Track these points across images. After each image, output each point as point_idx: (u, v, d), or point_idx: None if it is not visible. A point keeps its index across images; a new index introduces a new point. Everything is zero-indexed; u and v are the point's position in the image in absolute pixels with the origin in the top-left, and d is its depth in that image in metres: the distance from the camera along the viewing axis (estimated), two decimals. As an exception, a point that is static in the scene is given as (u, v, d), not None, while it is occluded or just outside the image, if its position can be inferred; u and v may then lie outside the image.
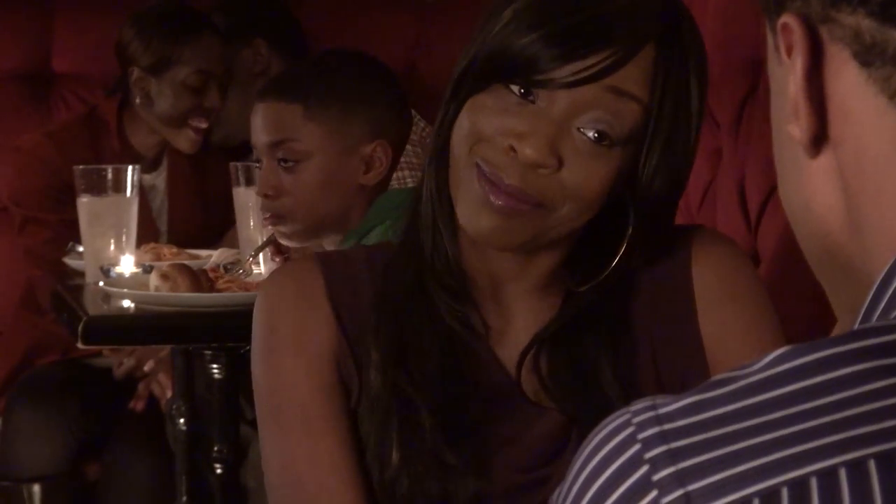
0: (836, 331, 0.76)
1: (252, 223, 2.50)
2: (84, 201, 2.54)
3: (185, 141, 3.19)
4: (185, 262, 2.46)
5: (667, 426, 0.63)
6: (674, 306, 1.37)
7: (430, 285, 1.35)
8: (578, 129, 1.27)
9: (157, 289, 2.17)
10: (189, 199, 3.30)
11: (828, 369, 0.63)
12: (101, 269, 2.46)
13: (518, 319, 1.38)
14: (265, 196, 2.06)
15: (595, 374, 1.33)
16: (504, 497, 1.34)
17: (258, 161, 2.09)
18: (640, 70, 1.27)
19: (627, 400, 0.67)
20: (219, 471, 2.47)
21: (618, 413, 0.66)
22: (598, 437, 0.66)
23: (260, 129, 2.05)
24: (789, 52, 0.72)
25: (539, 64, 1.26)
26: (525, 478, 1.34)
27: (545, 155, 1.25)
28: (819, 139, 0.72)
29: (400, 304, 1.36)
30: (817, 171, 0.73)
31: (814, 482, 0.61)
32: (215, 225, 3.24)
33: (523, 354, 1.35)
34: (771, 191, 2.23)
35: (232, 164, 2.59)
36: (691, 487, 0.62)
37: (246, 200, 2.51)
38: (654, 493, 0.62)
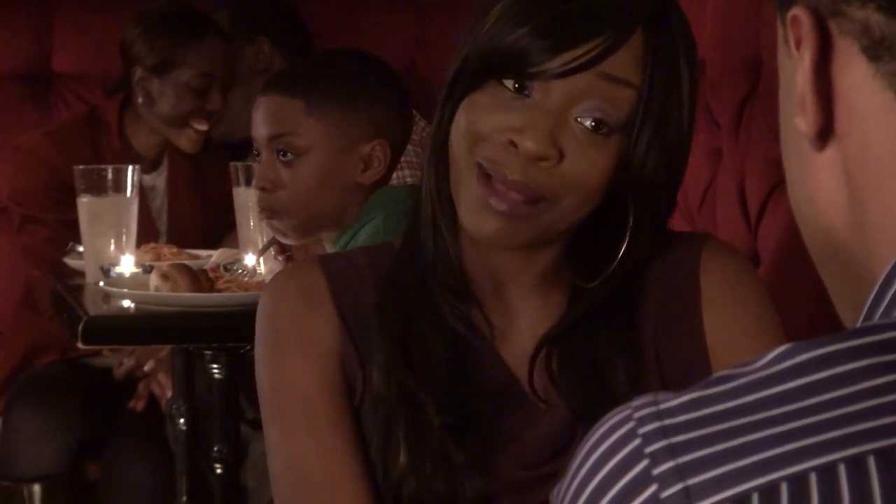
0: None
1: (252, 223, 2.50)
2: (84, 201, 2.54)
3: (186, 141, 3.19)
4: (185, 262, 2.46)
5: (667, 421, 0.64)
6: (680, 309, 1.38)
7: (432, 286, 1.35)
8: (576, 118, 1.27)
9: (157, 289, 2.17)
10: (189, 200, 3.30)
11: (828, 366, 0.63)
12: (101, 269, 2.46)
13: (521, 318, 1.38)
14: (262, 189, 2.06)
15: (606, 372, 1.34)
16: (510, 494, 1.35)
17: (258, 154, 2.09)
18: (632, 55, 1.28)
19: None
20: (219, 471, 2.47)
21: (619, 408, 0.66)
22: (600, 432, 0.66)
23: (261, 122, 2.06)
24: (798, 45, 0.72)
25: (531, 56, 1.26)
26: (530, 474, 1.35)
27: (546, 147, 1.26)
28: (825, 133, 0.72)
29: (403, 305, 1.36)
30: (822, 165, 0.73)
31: (813, 478, 0.61)
32: (215, 225, 3.24)
33: (535, 351, 1.35)
34: (771, 191, 2.23)
35: (232, 164, 2.59)
36: (691, 482, 0.62)
37: (246, 200, 2.51)
38: (653, 488, 0.62)
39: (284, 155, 2.03)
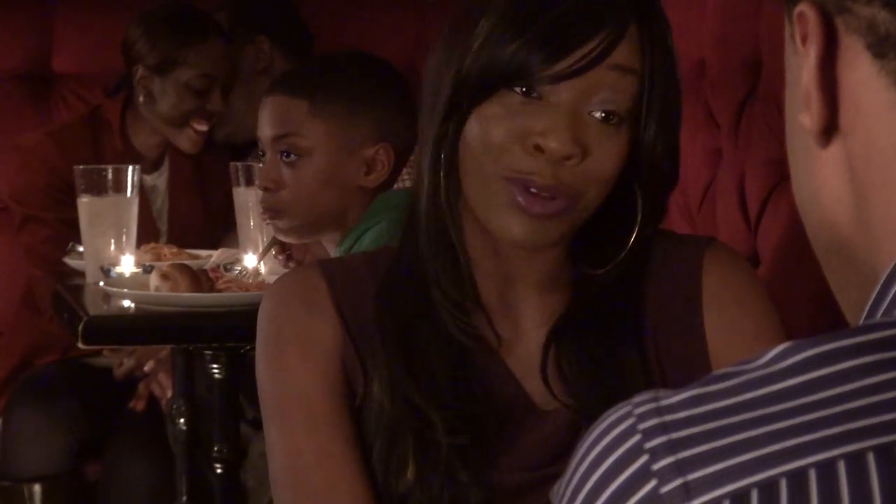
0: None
1: (252, 223, 2.50)
2: (84, 201, 2.54)
3: (186, 141, 3.19)
4: (185, 262, 2.46)
5: (667, 417, 0.64)
6: (681, 310, 1.39)
7: (435, 298, 1.35)
8: (589, 112, 1.29)
9: (157, 289, 2.17)
10: (190, 200, 3.30)
11: (829, 363, 0.63)
12: (102, 269, 2.46)
13: (526, 319, 1.38)
14: (265, 189, 2.06)
15: (615, 369, 1.34)
16: (511, 496, 1.35)
17: (262, 154, 2.09)
18: (632, 43, 1.30)
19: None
20: (219, 471, 2.47)
21: (620, 405, 0.66)
22: (600, 428, 0.66)
23: (265, 122, 2.06)
24: (804, 41, 0.72)
25: (541, 62, 1.27)
26: (532, 476, 1.35)
27: (571, 146, 1.27)
28: (830, 129, 0.72)
29: (404, 319, 1.36)
30: (827, 162, 0.73)
31: (812, 474, 0.61)
32: (216, 225, 3.24)
33: (547, 343, 1.36)
34: (771, 191, 2.23)
35: (232, 164, 2.59)
36: (690, 477, 0.62)
37: (246, 200, 2.51)
38: (653, 483, 0.62)
39: (288, 156, 2.03)
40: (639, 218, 1.35)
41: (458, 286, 1.35)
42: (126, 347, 3.03)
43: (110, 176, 2.54)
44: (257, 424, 2.82)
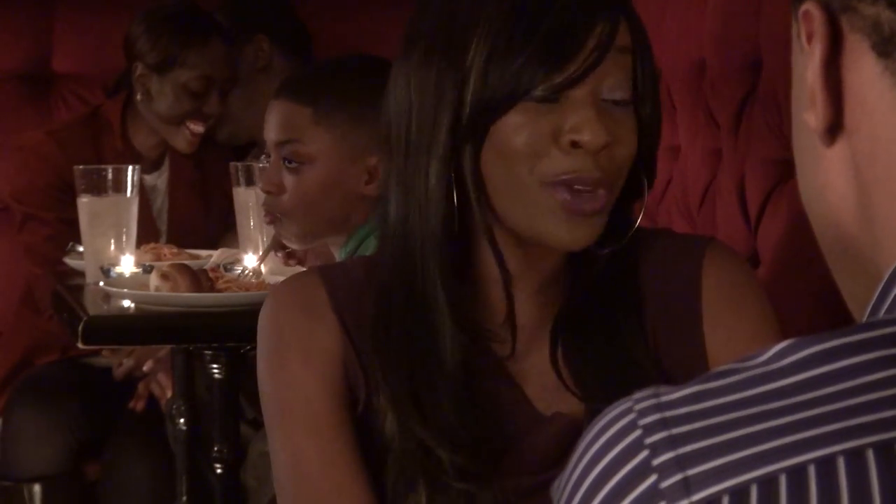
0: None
1: (252, 223, 2.50)
2: (84, 201, 2.54)
3: (182, 141, 3.19)
4: (185, 262, 2.46)
5: (668, 413, 0.64)
6: (680, 310, 1.39)
7: (438, 324, 1.34)
8: (603, 99, 1.30)
9: (157, 289, 2.17)
10: (190, 200, 3.30)
11: (830, 360, 0.64)
12: (101, 269, 2.46)
13: (527, 324, 1.37)
14: (266, 192, 2.06)
15: (620, 365, 1.35)
16: (515, 500, 1.35)
17: (267, 156, 2.09)
18: (623, 21, 1.31)
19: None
20: (219, 471, 2.47)
21: (620, 401, 0.66)
22: (601, 424, 0.66)
23: (270, 126, 2.05)
24: (809, 39, 0.72)
25: (558, 65, 1.27)
26: (536, 479, 1.35)
27: (604, 134, 1.28)
28: (834, 128, 0.72)
29: (405, 351, 1.35)
30: (832, 161, 0.73)
31: (812, 470, 0.61)
32: (215, 225, 3.24)
33: (552, 346, 1.36)
34: (771, 191, 2.23)
35: (232, 164, 2.59)
36: (690, 472, 0.62)
37: (246, 200, 2.51)
38: (653, 478, 0.63)
39: (290, 162, 2.03)
40: (645, 191, 1.35)
41: (466, 305, 1.34)
42: (125, 347, 3.03)
43: (110, 176, 2.54)
44: (257, 424, 2.82)
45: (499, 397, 1.37)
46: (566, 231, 1.29)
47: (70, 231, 2.78)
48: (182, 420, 2.78)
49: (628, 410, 0.65)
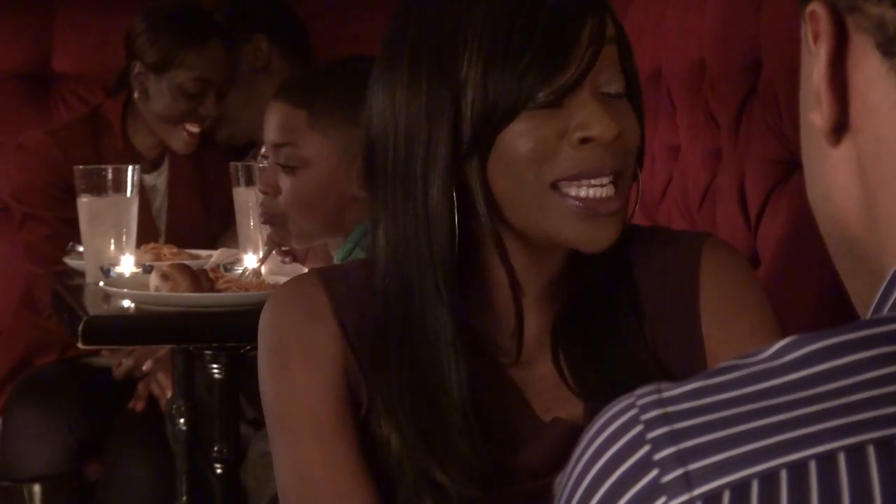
0: None
1: (252, 223, 2.50)
2: (84, 201, 2.54)
3: (178, 141, 3.19)
4: (185, 262, 2.46)
5: (670, 408, 0.64)
6: (679, 309, 1.39)
7: (443, 359, 1.32)
8: (602, 93, 1.30)
9: (157, 289, 2.17)
10: (189, 200, 3.30)
11: (832, 357, 0.64)
12: (101, 269, 2.46)
13: (528, 330, 1.37)
14: (263, 193, 2.06)
15: (625, 359, 1.35)
16: (520, 502, 1.35)
17: (265, 157, 2.09)
18: (606, 12, 1.31)
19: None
20: (219, 471, 2.47)
21: (623, 397, 0.67)
22: (603, 420, 0.67)
23: (268, 127, 2.05)
24: (816, 39, 0.73)
25: (559, 67, 1.27)
26: (537, 484, 1.35)
27: (613, 127, 1.28)
28: (840, 128, 0.73)
29: (406, 382, 1.33)
30: (838, 160, 0.73)
31: (813, 465, 0.61)
32: (215, 225, 3.24)
33: (555, 349, 1.35)
34: (771, 191, 2.23)
35: (232, 164, 2.59)
36: (692, 467, 0.62)
37: (246, 200, 2.51)
38: (654, 472, 0.63)
39: (286, 164, 2.03)
40: (639, 182, 1.35)
41: (476, 319, 1.34)
42: (125, 347, 3.04)
43: (110, 176, 2.54)
44: (257, 424, 2.82)
45: (503, 406, 1.36)
46: (583, 232, 1.29)
47: (69, 231, 2.78)
48: (182, 420, 2.78)
49: (630, 406, 0.65)
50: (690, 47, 2.54)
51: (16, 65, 3.56)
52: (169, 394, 3.01)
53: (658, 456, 0.63)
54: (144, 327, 2.27)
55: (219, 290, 2.20)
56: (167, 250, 2.67)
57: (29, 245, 3.15)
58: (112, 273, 2.45)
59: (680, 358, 1.37)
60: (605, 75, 1.29)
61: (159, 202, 3.28)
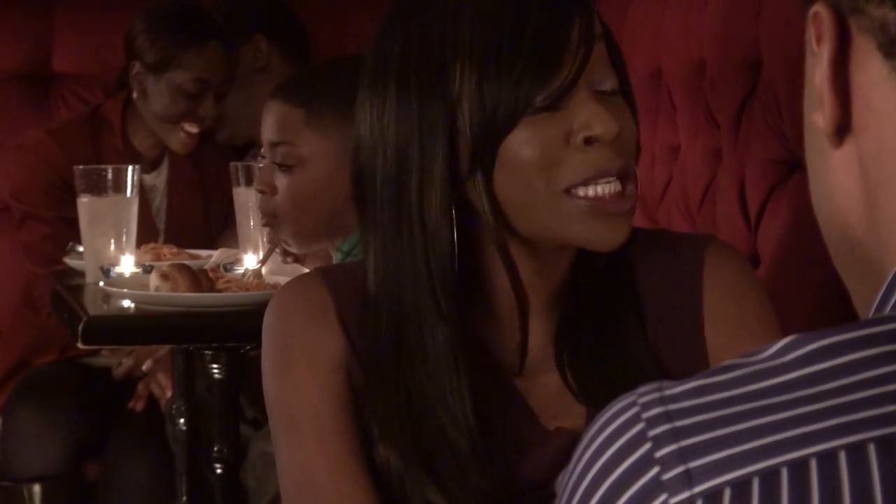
0: None
1: (252, 223, 2.50)
2: (84, 201, 2.54)
3: (176, 142, 3.19)
4: (185, 262, 2.46)
5: (671, 406, 0.64)
6: (682, 312, 1.38)
7: (448, 392, 1.31)
8: (597, 90, 1.29)
9: (157, 289, 2.17)
10: (189, 200, 3.30)
11: (833, 356, 0.64)
12: (101, 269, 2.46)
13: (533, 338, 1.36)
14: (260, 192, 2.06)
15: (628, 364, 1.34)
16: None
17: (263, 157, 2.09)
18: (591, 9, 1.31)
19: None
20: (219, 471, 2.47)
21: (624, 395, 0.67)
22: (604, 418, 0.67)
23: (265, 126, 2.05)
24: (819, 41, 0.73)
25: (554, 70, 1.26)
26: (539, 494, 1.34)
27: (614, 124, 1.27)
28: (842, 129, 0.73)
29: (407, 414, 1.32)
30: (840, 161, 0.74)
31: (813, 463, 0.62)
32: (215, 225, 3.24)
33: (559, 356, 1.35)
34: (771, 191, 2.23)
35: (232, 164, 2.59)
36: (692, 465, 0.63)
37: (246, 200, 2.51)
38: (655, 470, 0.63)
39: (283, 163, 2.02)
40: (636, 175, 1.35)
41: (478, 330, 1.34)
42: (125, 347, 3.04)
43: (110, 176, 2.54)
44: (257, 424, 2.82)
45: (507, 418, 1.35)
46: (595, 232, 1.28)
47: (69, 230, 2.78)
48: (182, 420, 2.78)
49: (632, 404, 0.66)
50: (690, 47, 2.54)
51: (16, 65, 3.56)
52: (169, 394, 3.01)
53: (659, 453, 0.63)
54: (144, 327, 2.27)
55: (219, 290, 2.20)
56: (167, 250, 2.66)
57: (29, 245, 3.15)
58: (112, 273, 2.45)
59: (682, 361, 1.36)
60: (599, 73, 1.29)
61: (159, 202, 3.29)
